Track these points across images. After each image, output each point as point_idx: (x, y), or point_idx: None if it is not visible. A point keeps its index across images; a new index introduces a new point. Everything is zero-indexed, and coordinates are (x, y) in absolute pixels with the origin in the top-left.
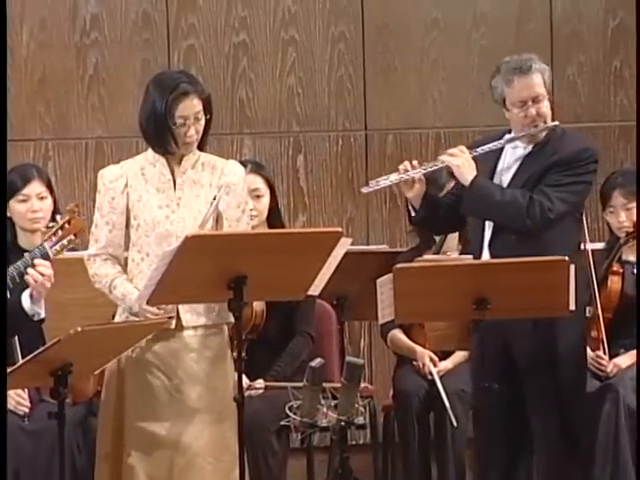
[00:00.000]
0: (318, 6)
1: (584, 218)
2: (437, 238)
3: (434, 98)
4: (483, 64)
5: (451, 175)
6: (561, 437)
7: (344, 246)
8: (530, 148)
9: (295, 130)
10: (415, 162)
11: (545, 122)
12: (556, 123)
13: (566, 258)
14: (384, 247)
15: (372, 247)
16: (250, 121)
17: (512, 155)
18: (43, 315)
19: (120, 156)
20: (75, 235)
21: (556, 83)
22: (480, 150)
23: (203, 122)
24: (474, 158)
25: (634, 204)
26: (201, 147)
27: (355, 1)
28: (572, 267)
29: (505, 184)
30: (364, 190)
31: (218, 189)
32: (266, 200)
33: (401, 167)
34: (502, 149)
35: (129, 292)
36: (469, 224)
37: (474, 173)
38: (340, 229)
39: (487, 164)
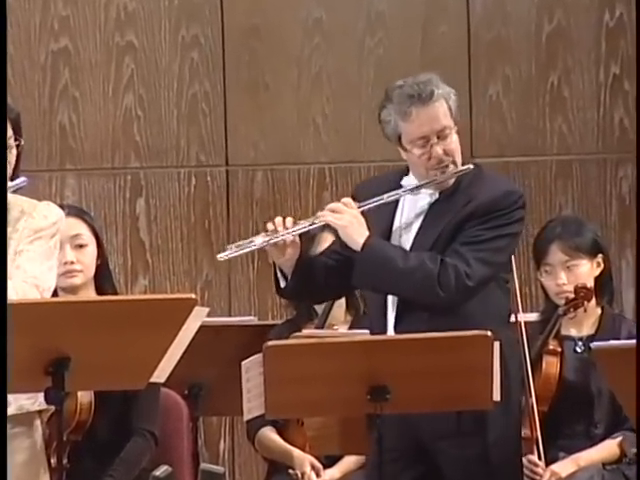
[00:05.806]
0: (164, 3)
1: (514, 280)
2: (320, 308)
3: (316, 123)
4: (380, 79)
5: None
6: None
7: (199, 317)
8: (437, 195)
9: (134, 166)
10: (289, 220)
11: (454, 162)
12: (470, 166)
13: (488, 333)
14: (251, 319)
15: (235, 319)
16: (74, 154)
17: (413, 205)
18: None
19: None
20: None
21: (475, 105)
22: (372, 202)
23: (15, 151)
24: (363, 213)
25: (577, 261)
26: None
27: None
28: (497, 344)
29: (407, 245)
30: (220, 257)
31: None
32: (92, 250)
33: (269, 226)
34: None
35: None
36: (368, 299)
37: (366, 234)
38: (194, 295)
39: (381, 218)
